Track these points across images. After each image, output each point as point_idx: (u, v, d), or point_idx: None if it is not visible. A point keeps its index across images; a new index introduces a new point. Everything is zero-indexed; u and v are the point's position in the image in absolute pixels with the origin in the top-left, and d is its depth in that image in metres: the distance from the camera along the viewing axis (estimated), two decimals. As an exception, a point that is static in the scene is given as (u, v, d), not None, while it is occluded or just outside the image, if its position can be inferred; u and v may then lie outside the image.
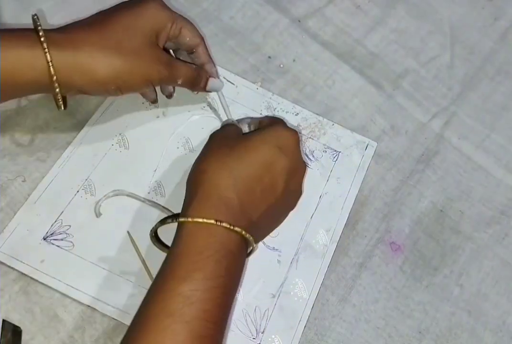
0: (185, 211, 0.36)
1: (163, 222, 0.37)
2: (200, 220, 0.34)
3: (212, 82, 0.45)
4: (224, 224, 0.34)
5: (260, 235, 0.40)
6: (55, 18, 0.49)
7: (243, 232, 0.34)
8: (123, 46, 0.37)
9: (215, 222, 0.34)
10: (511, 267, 0.47)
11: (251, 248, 0.37)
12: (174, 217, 0.36)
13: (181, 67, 0.41)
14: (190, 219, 0.34)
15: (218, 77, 0.46)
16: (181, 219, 0.34)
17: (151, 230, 0.38)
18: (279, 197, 0.38)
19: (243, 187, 0.36)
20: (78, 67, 0.35)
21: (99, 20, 0.38)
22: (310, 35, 0.54)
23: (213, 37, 0.52)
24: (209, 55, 0.45)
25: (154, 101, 0.46)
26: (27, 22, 0.48)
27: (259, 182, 0.36)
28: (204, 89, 0.44)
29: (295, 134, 0.39)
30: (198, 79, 0.43)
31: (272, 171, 0.37)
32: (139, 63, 0.37)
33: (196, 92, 0.46)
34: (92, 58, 0.36)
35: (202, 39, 0.44)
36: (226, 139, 0.40)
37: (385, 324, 0.44)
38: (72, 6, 0.50)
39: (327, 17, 0.55)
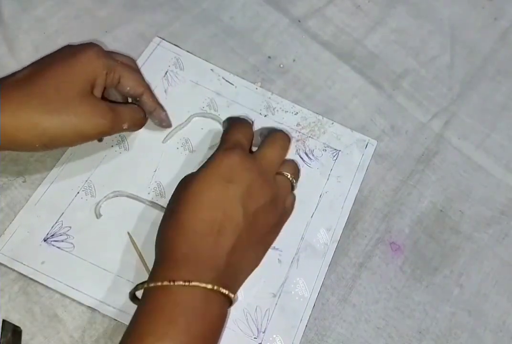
0: (150, 275, 0.36)
1: (136, 288, 0.36)
2: (153, 284, 0.34)
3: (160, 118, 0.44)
4: (178, 283, 0.33)
5: (243, 272, 0.39)
6: (55, 18, 0.49)
7: (203, 285, 0.33)
8: (50, 102, 0.35)
9: (168, 283, 0.33)
10: (511, 267, 0.47)
11: (232, 296, 0.35)
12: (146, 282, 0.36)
13: (124, 112, 0.40)
14: (145, 285, 0.34)
15: (168, 120, 0.45)
16: (139, 287, 0.35)
17: (129, 293, 0.37)
18: (243, 229, 0.36)
19: (197, 237, 0.35)
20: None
21: (28, 75, 0.36)
22: (310, 35, 0.54)
23: (213, 37, 0.52)
24: (156, 101, 0.43)
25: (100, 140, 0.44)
26: (27, 22, 0.48)
27: (212, 225, 0.35)
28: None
29: (235, 156, 0.37)
30: (146, 120, 0.42)
31: (224, 207, 0.36)
32: (68, 117, 0.36)
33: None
34: (14, 118, 0.34)
35: (146, 87, 0.42)
36: (179, 189, 0.39)
37: (385, 324, 0.44)
38: (72, 6, 0.50)
39: (327, 17, 0.55)
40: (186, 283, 0.33)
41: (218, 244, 0.35)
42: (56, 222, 0.42)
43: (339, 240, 0.45)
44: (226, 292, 0.35)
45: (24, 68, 0.37)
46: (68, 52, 0.38)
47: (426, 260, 0.46)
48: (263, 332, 0.41)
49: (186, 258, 0.35)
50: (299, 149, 0.48)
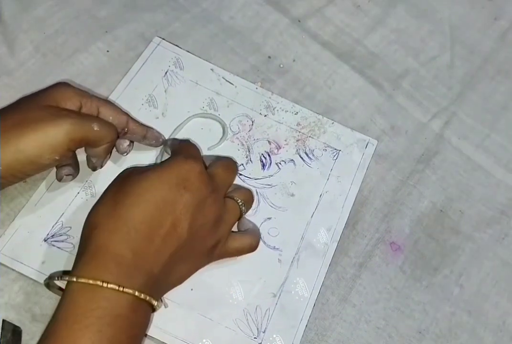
0: (74, 268, 0.33)
1: (51, 278, 0.34)
2: (84, 280, 0.31)
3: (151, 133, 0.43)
4: (111, 286, 0.31)
5: (168, 285, 0.37)
6: (55, 18, 0.49)
7: (136, 293, 0.31)
8: (20, 121, 0.35)
9: (101, 284, 0.30)
10: (511, 267, 0.47)
11: (155, 303, 0.33)
12: (64, 274, 0.33)
13: (89, 116, 0.39)
14: (74, 279, 0.31)
15: (161, 135, 0.45)
16: (66, 278, 0.32)
17: (44, 284, 0.36)
18: (185, 240, 0.34)
19: (138, 237, 0.33)
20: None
21: (3, 109, 0.37)
22: (310, 35, 0.54)
23: (213, 37, 0.52)
24: (143, 125, 0.43)
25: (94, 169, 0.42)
26: (27, 22, 0.48)
27: (158, 228, 0.33)
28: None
29: (196, 166, 0.36)
30: (116, 130, 0.40)
31: (174, 212, 0.34)
32: (36, 125, 0.35)
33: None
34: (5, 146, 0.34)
35: (127, 114, 0.42)
36: (123, 182, 0.36)
37: (385, 324, 0.44)
38: (72, 6, 0.50)
39: (327, 17, 0.55)
40: (120, 289, 0.31)
41: (159, 250, 0.33)
42: (56, 222, 0.42)
43: (339, 240, 0.45)
44: (155, 303, 0.33)
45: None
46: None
47: (426, 260, 0.46)
48: (263, 332, 0.41)
49: (122, 259, 0.32)
50: (299, 149, 0.48)
